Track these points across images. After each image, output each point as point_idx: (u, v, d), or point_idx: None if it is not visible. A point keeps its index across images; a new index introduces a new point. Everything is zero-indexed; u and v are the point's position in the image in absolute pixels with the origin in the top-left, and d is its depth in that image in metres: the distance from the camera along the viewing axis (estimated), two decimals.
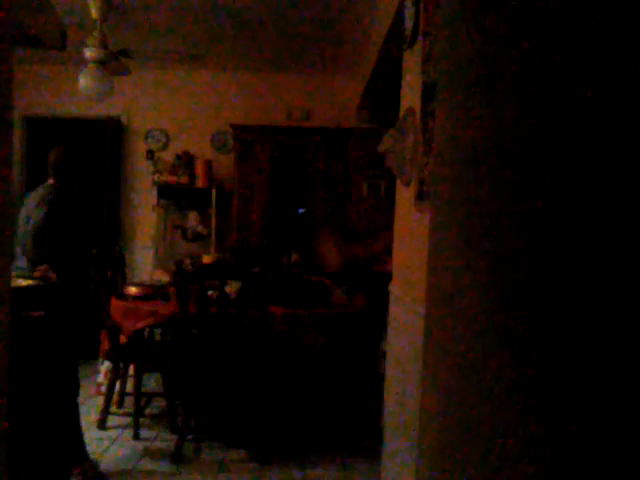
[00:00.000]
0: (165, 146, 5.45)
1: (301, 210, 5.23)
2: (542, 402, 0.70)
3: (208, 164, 5.20)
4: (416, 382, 1.72)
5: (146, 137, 5.44)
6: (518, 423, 0.74)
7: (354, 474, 2.97)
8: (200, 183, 5.18)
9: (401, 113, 2.47)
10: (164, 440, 3.31)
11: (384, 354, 2.76)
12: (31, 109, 5.27)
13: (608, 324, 0.63)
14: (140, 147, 5.46)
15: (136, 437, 3.31)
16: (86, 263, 3.36)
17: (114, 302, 3.44)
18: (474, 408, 0.83)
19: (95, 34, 3.65)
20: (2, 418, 1.01)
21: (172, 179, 5.17)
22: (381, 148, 2.84)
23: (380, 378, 2.86)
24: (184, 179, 5.17)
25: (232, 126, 5.12)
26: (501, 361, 0.78)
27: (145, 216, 5.40)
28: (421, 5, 2.08)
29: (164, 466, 2.98)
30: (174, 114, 5.42)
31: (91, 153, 5.35)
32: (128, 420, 3.46)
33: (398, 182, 2.45)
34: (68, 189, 3.00)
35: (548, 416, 0.69)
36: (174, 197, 5.33)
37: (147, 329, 3.67)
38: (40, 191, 2.95)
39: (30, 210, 2.89)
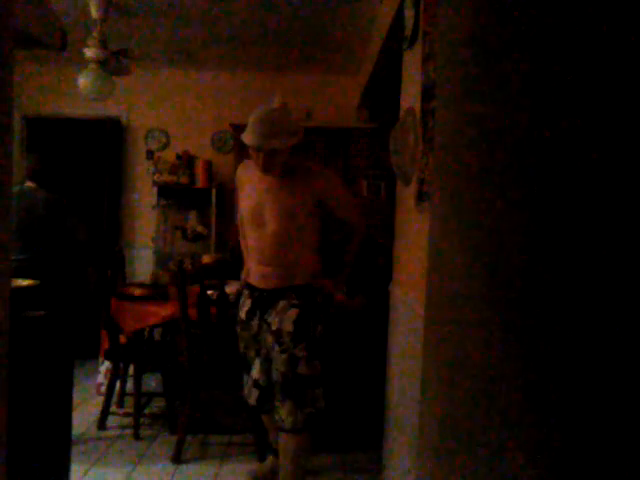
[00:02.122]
0: (165, 146, 5.45)
1: None
2: (542, 402, 0.70)
3: (208, 164, 5.20)
4: (416, 382, 1.72)
5: (146, 137, 5.44)
6: (518, 423, 0.74)
7: (354, 473, 2.97)
8: (200, 183, 5.18)
9: (401, 113, 2.47)
10: (164, 440, 3.31)
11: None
12: (31, 109, 5.27)
13: (608, 325, 0.63)
14: (140, 147, 5.46)
15: (136, 437, 3.31)
16: (76, 263, 3.45)
17: (114, 302, 3.43)
18: (474, 408, 0.83)
19: (95, 34, 3.65)
20: (2, 418, 1.01)
21: (172, 179, 5.17)
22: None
23: (382, 377, 2.85)
24: (184, 179, 5.17)
25: (232, 126, 5.12)
26: (501, 361, 0.78)
27: (145, 216, 5.40)
28: (421, 5, 2.08)
29: (164, 466, 2.99)
30: (174, 114, 5.42)
31: (91, 153, 5.38)
32: (128, 420, 3.46)
33: (398, 182, 2.45)
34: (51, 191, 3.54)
35: (549, 416, 0.69)
36: (174, 197, 5.33)
37: (147, 329, 3.67)
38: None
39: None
